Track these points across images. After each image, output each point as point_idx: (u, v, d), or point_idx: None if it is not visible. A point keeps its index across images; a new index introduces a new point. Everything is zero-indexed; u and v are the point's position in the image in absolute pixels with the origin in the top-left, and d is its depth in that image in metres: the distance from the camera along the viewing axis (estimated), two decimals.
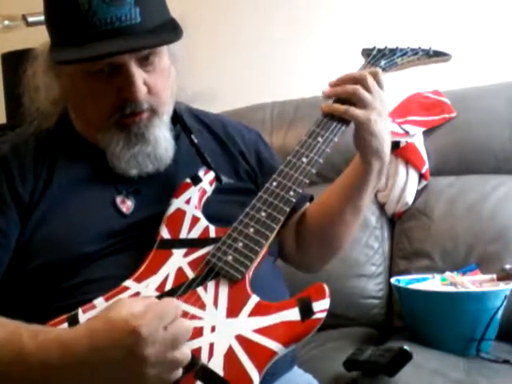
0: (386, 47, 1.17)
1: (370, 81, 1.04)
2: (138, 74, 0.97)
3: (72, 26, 0.95)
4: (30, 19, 1.78)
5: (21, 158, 1.01)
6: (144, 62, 0.98)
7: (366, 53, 1.17)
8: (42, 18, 1.77)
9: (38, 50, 1.05)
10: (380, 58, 1.15)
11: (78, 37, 0.95)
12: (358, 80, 1.04)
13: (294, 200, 0.97)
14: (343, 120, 1.04)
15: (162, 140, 1.02)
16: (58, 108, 1.06)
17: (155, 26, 0.97)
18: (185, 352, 0.77)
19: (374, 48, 1.17)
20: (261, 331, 0.83)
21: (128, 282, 0.90)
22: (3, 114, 1.99)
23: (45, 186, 0.99)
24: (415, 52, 1.18)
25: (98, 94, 0.98)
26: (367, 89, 1.03)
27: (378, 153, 1.05)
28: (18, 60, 1.88)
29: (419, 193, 1.74)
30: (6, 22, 1.77)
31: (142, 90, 0.97)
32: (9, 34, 1.80)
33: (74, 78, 1.00)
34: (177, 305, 0.79)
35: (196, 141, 1.10)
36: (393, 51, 1.17)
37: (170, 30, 0.99)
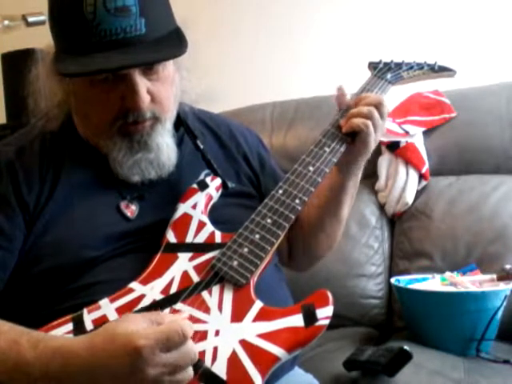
0: (392, 61, 1.18)
1: (385, 108, 1.06)
2: (142, 83, 0.96)
3: (76, 35, 0.95)
4: (30, 19, 1.78)
5: (26, 162, 1.00)
6: (148, 71, 0.98)
7: (373, 66, 1.18)
8: (42, 17, 1.80)
9: (43, 52, 1.04)
10: (386, 71, 1.16)
11: (82, 46, 0.94)
12: (376, 103, 1.05)
13: (299, 208, 0.98)
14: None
15: (165, 147, 1.02)
16: (62, 111, 1.05)
17: (160, 37, 0.96)
18: (186, 375, 0.75)
19: (381, 61, 1.18)
20: (264, 336, 0.84)
21: (133, 284, 0.90)
22: (3, 114, 1.99)
23: (50, 191, 0.98)
24: (421, 66, 1.19)
25: (101, 102, 0.98)
26: (382, 115, 1.05)
27: (358, 170, 1.11)
28: (18, 60, 1.90)
29: (419, 193, 1.74)
30: (6, 22, 1.77)
31: (145, 99, 0.96)
32: (9, 34, 1.80)
33: (78, 85, 1.00)
34: (184, 329, 0.75)
35: (202, 146, 1.10)
36: (399, 65, 1.18)
37: (175, 42, 0.98)
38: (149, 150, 1.01)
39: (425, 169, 1.74)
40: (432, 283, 1.44)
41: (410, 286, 1.42)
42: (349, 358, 1.21)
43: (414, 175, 1.74)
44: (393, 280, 1.47)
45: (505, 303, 1.31)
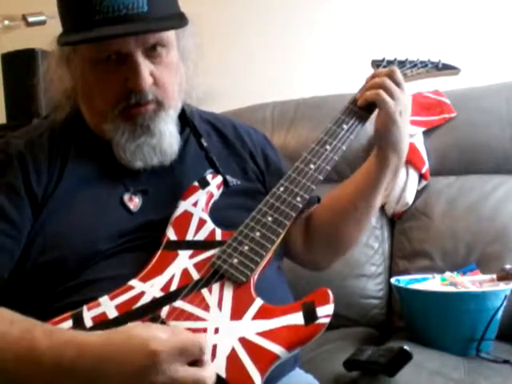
0: (395, 59, 1.18)
1: (398, 74, 1.06)
2: (144, 64, 0.98)
3: (80, 13, 0.97)
4: (30, 19, 1.78)
5: (36, 154, 1.01)
6: (151, 53, 0.99)
7: (376, 64, 1.18)
8: (42, 17, 1.80)
9: (52, 44, 1.06)
10: None
11: (85, 23, 0.96)
12: (387, 73, 1.06)
13: (300, 206, 0.97)
14: (352, 128, 1.05)
15: (167, 134, 1.03)
16: (70, 101, 1.07)
17: (162, 17, 0.98)
18: None
19: (384, 59, 1.18)
20: (264, 334, 0.83)
21: (133, 282, 0.90)
22: (3, 114, 2.00)
23: (56, 182, 0.99)
24: (424, 64, 1.19)
25: (104, 84, 1.00)
26: (395, 81, 1.05)
27: (396, 145, 1.06)
28: (18, 60, 1.90)
29: (419, 193, 1.74)
30: (6, 22, 1.77)
31: (147, 79, 0.98)
32: (9, 34, 1.80)
33: (83, 68, 1.01)
34: (202, 342, 0.76)
35: (205, 144, 1.10)
36: (402, 63, 1.18)
37: (177, 20, 1.01)
38: (151, 134, 1.01)
39: (425, 169, 1.74)
40: (432, 283, 1.44)
41: (410, 286, 1.42)
42: (349, 358, 1.21)
43: (414, 175, 1.74)
44: (393, 280, 1.47)
45: (505, 303, 1.30)
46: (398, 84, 1.05)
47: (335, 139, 1.04)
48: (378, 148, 1.09)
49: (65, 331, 0.80)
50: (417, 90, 1.85)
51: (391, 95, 1.03)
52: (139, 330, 0.75)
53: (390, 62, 1.17)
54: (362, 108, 1.07)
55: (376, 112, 1.07)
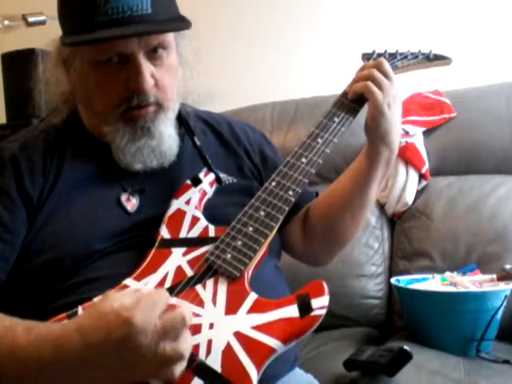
0: (385, 51, 1.18)
1: (386, 65, 1.06)
2: (146, 66, 0.98)
3: (83, 15, 0.97)
4: (30, 19, 1.78)
5: (30, 156, 1.01)
6: (152, 55, 1.00)
7: (366, 57, 1.18)
8: (42, 18, 1.80)
9: (50, 46, 1.06)
10: None
11: (88, 24, 0.96)
12: (374, 65, 1.06)
13: (292, 199, 0.97)
14: (343, 121, 1.05)
15: (167, 136, 1.03)
16: (68, 103, 1.07)
17: (165, 19, 0.99)
18: (178, 348, 0.73)
19: (374, 52, 1.18)
20: (259, 328, 0.83)
21: (128, 281, 0.90)
22: (3, 114, 2.00)
23: (53, 184, 0.99)
24: (415, 56, 1.19)
25: (105, 85, 0.99)
26: (383, 73, 1.05)
27: (386, 138, 1.06)
28: (18, 60, 1.90)
29: (419, 193, 1.75)
30: (6, 22, 1.78)
31: (149, 81, 0.98)
32: (9, 34, 1.81)
33: (83, 71, 1.01)
34: (166, 294, 0.77)
35: (198, 143, 1.10)
36: (393, 55, 1.18)
37: (180, 22, 1.01)
38: (151, 136, 1.02)
39: (425, 169, 1.74)
40: (432, 283, 1.44)
41: (410, 286, 1.42)
42: (349, 358, 1.21)
43: (414, 175, 1.74)
44: (393, 280, 1.47)
45: (505, 303, 1.30)
46: (386, 75, 1.05)
47: (326, 132, 1.04)
48: (369, 141, 1.08)
49: (43, 326, 0.79)
50: (417, 90, 1.85)
51: (379, 86, 1.03)
52: (106, 305, 0.74)
53: (380, 55, 1.17)
54: (352, 101, 1.07)
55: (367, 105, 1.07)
